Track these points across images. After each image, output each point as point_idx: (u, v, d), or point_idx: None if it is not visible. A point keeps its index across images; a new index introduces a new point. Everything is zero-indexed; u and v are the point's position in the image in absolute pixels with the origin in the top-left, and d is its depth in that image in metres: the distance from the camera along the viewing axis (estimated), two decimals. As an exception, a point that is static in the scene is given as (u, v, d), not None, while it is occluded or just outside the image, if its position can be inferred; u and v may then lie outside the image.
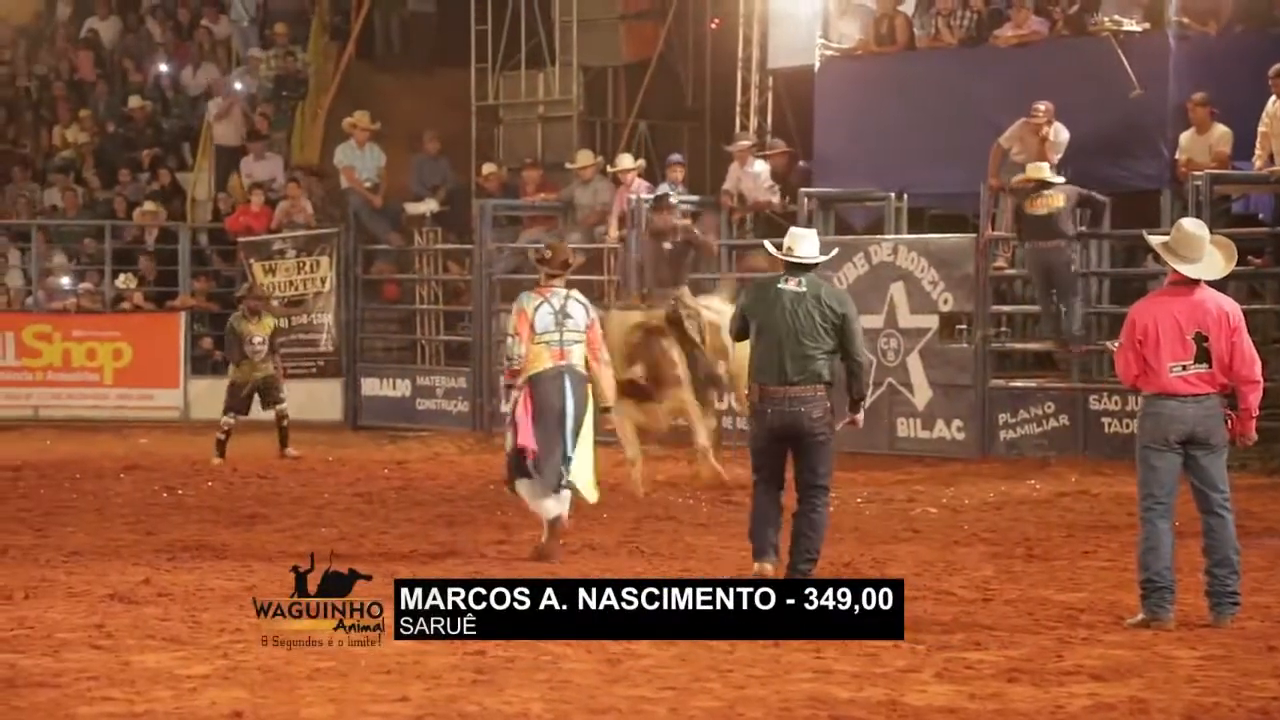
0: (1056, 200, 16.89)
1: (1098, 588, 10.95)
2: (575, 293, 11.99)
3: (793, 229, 11.06)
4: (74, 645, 9.25)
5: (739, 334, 11.01)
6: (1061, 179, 17.12)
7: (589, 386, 11.91)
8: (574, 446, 11.74)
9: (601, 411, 12.25)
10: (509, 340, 12.01)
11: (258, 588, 10.80)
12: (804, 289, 10.61)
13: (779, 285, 10.66)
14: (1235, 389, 9.64)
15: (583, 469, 11.97)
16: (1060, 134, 17.53)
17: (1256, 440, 10.04)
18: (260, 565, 11.73)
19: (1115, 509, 14.22)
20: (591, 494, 12.28)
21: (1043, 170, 17.02)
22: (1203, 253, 9.67)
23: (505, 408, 12.20)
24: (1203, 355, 9.56)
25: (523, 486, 11.92)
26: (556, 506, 11.89)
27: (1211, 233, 9.93)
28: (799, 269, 10.70)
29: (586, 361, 11.94)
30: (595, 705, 8.05)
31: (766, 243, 11.37)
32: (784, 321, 10.53)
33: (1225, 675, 8.60)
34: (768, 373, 10.58)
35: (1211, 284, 9.85)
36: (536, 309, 11.75)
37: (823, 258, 10.89)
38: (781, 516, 10.80)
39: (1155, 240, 9.91)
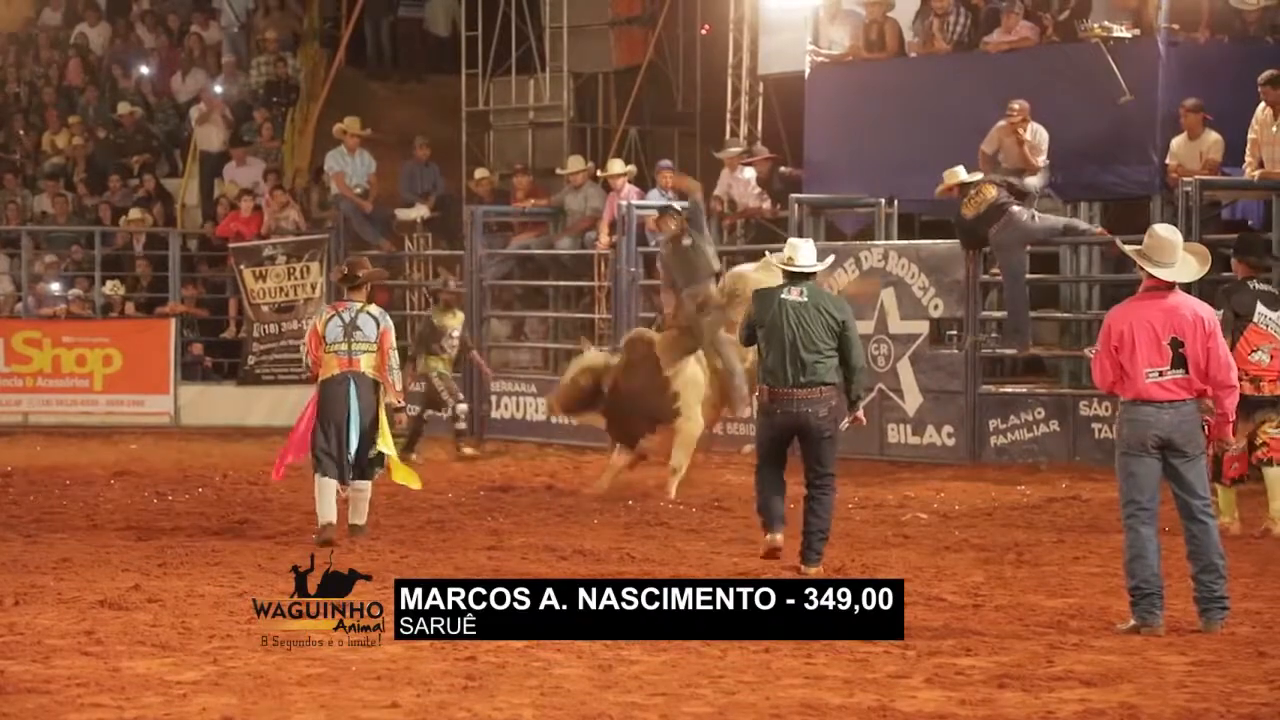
0: (988, 192, 16.89)
1: (1088, 593, 10.96)
2: (371, 307, 13.23)
3: (791, 239, 11.71)
4: (64, 651, 9.24)
5: (747, 340, 11.79)
6: (977, 175, 17.09)
7: (379, 390, 13.10)
8: (360, 445, 12.94)
9: (395, 411, 13.38)
10: (301, 349, 12.89)
11: (248, 593, 10.80)
12: (806, 298, 11.29)
13: (782, 295, 11.34)
14: (1212, 394, 9.65)
15: (395, 463, 13.36)
16: (1038, 134, 17.54)
17: (1235, 444, 10.08)
18: (251, 571, 11.73)
19: (1105, 514, 14.22)
20: (415, 481, 13.64)
21: (957, 174, 17.03)
22: (1176, 257, 9.71)
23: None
24: (1179, 361, 9.58)
25: (319, 484, 13.10)
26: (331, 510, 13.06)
27: (1200, 239, 9.99)
28: (799, 278, 11.35)
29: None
30: (586, 711, 8.05)
31: (768, 254, 11.80)
32: (790, 328, 11.21)
33: (1216, 681, 8.61)
34: (776, 376, 11.27)
35: (1200, 288, 9.89)
36: (327, 322, 13.12)
37: (821, 265, 11.54)
38: (785, 488, 11.52)
39: (1130, 248, 9.97)
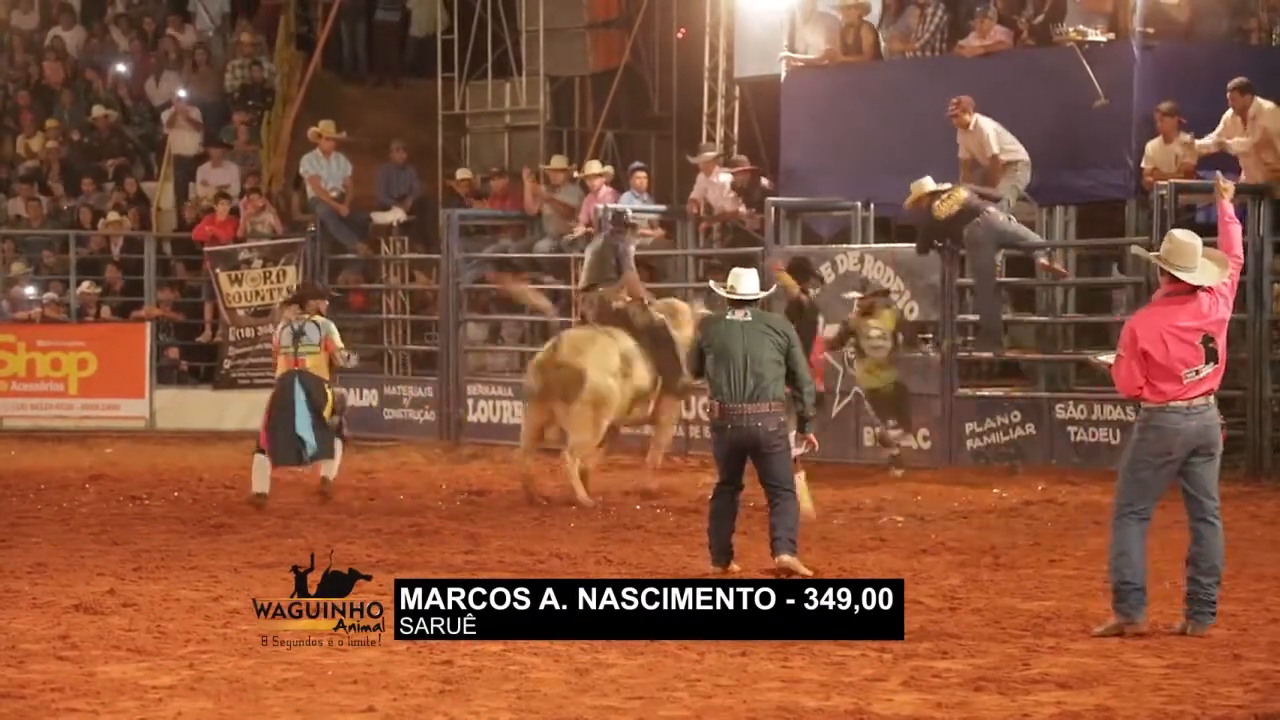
0: (960, 194, 16.93)
1: (1064, 596, 10.98)
2: (317, 318, 15.50)
3: (734, 269, 12.12)
4: (39, 656, 9.22)
5: (696, 368, 12.13)
6: (945, 185, 17.10)
7: (325, 384, 15.34)
8: (310, 429, 15.15)
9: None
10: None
11: (224, 598, 10.79)
12: (750, 318, 11.78)
13: (728, 318, 11.84)
14: None
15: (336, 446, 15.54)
16: (982, 122, 17.48)
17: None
18: (227, 575, 11.71)
19: (1081, 517, 14.25)
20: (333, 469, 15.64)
21: (924, 185, 17.05)
22: (1197, 260, 9.79)
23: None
24: (1211, 355, 9.68)
25: (255, 461, 15.39)
26: (318, 470, 15.55)
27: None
28: (743, 303, 11.84)
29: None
30: (563, 715, 8.05)
31: (712, 283, 12.36)
32: (738, 347, 11.65)
33: (1191, 684, 8.64)
34: (725, 392, 11.65)
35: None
36: (281, 330, 15.58)
37: (762, 294, 12.06)
38: (737, 518, 11.89)
39: (1150, 254, 10.09)
